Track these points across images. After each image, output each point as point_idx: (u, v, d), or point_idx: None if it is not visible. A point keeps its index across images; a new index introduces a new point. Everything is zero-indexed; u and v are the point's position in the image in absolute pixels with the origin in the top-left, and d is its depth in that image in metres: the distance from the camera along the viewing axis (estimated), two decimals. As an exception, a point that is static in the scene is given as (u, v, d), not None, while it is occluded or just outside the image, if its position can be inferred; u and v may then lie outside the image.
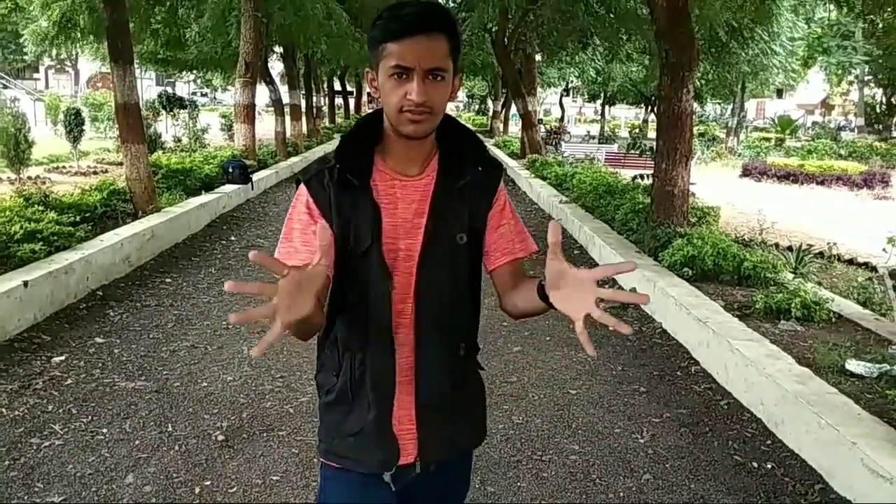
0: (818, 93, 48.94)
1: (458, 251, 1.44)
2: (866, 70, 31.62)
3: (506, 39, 16.12)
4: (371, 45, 1.34)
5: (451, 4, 17.93)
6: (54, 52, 15.44)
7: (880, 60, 29.13)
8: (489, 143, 21.06)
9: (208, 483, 3.00)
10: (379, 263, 1.38)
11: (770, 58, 14.16)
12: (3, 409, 3.54)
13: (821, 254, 8.45)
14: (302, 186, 1.43)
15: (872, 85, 35.52)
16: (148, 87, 35.30)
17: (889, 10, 9.49)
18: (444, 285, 1.43)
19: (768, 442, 3.55)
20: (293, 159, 15.53)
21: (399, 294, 1.40)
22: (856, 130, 34.51)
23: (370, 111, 1.50)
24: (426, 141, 1.40)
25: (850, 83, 39.10)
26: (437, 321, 1.43)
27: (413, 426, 1.46)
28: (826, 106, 52.24)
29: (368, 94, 53.43)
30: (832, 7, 11.52)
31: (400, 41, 1.28)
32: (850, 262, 8.75)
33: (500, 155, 18.98)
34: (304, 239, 1.38)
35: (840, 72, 33.27)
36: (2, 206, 5.83)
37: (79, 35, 13.67)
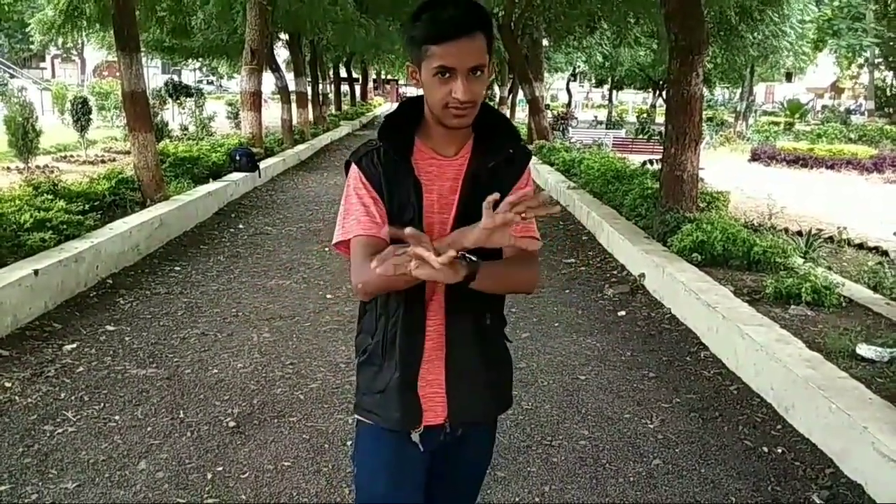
0: (828, 76, 48.48)
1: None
2: (877, 53, 31.28)
3: (512, 24, 16.00)
4: (411, 42, 1.44)
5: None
6: (60, 40, 15.40)
7: (892, 43, 28.79)
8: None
9: (220, 469, 3.02)
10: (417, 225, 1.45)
11: (780, 40, 14.03)
12: (17, 397, 3.57)
13: (831, 238, 8.40)
14: (353, 167, 1.54)
15: (883, 68, 35.15)
16: (154, 75, 35.29)
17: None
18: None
19: (778, 427, 3.55)
20: (300, 147, 15.52)
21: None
22: (866, 114, 34.19)
23: (410, 97, 1.60)
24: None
25: (861, 66, 38.70)
26: (466, 292, 1.45)
27: (443, 389, 1.57)
28: (836, 89, 51.79)
29: (374, 80, 53.43)
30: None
31: (442, 44, 1.37)
32: (861, 246, 8.68)
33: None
34: (377, 209, 1.49)
35: (850, 55, 32.92)
36: (11, 195, 5.85)
37: (85, 23, 13.64)
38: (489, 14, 1.45)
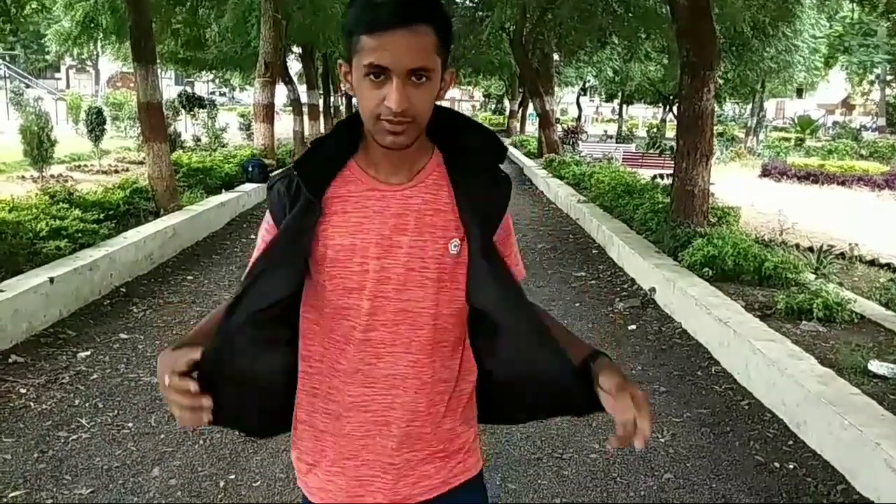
0: (839, 92, 48.36)
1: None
2: (888, 69, 31.24)
3: (524, 39, 16.10)
4: (344, 34, 1.13)
5: (469, 4, 17.94)
6: (76, 51, 15.60)
7: (903, 59, 28.77)
8: (506, 143, 21.02)
9: (232, 477, 3.04)
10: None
11: (793, 54, 14.04)
12: (31, 403, 3.61)
13: (842, 254, 8.37)
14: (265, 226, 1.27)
15: (894, 84, 35.09)
16: (167, 86, 35.56)
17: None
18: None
19: (790, 442, 3.54)
20: (311, 158, 15.58)
21: (368, 321, 1.20)
22: (877, 131, 34.10)
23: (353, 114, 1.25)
24: (410, 147, 1.17)
25: (872, 83, 38.63)
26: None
27: (385, 473, 1.27)
28: (847, 105, 51.66)
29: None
30: (855, 6, 11.41)
31: (375, 35, 1.06)
32: (872, 262, 8.66)
33: (517, 154, 18.97)
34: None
35: (861, 71, 32.87)
36: (28, 204, 5.92)
37: (101, 35, 13.82)
38: (442, 4, 1.13)
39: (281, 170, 1.33)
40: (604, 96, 42.07)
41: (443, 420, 1.29)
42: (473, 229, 1.19)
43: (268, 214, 1.25)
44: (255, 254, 1.25)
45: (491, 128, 1.33)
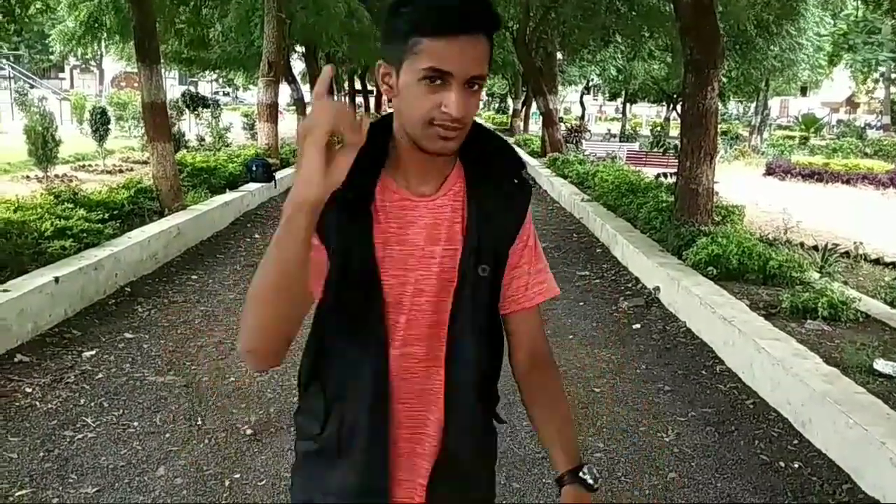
0: (843, 90, 48.28)
1: (479, 284, 1.20)
2: (892, 67, 31.15)
3: (527, 37, 16.09)
4: (392, 34, 1.08)
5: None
6: (80, 51, 15.64)
7: (908, 57, 28.67)
8: (510, 141, 21.06)
9: (237, 476, 3.05)
10: (373, 300, 1.15)
11: (797, 52, 14.01)
12: (37, 403, 3.62)
13: (847, 253, 8.35)
14: None
15: (899, 82, 35.00)
16: (171, 86, 35.63)
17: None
18: (462, 325, 1.20)
19: (795, 441, 3.53)
20: (315, 158, 15.60)
21: (403, 336, 1.18)
22: (882, 129, 34.01)
23: (380, 119, 1.21)
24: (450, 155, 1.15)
25: (876, 81, 38.53)
26: (465, 368, 1.21)
27: (419, 495, 1.24)
28: (851, 104, 51.55)
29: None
30: (859, 4, 11.38)
31: (440, 39, 1.02)
32: (877, 261, 8.64)
33: (520, 153, 18.92)
34: (315, 257, 1.10)
35: (866, 69, 32.78)
36: (32, 204, 5.94)
37: (105, 35, 13.85)
38: (499, 15, 1.11)
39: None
40: (607, 95, 42.06)
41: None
42: (471, 243, 1.18)
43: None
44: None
45: (503, 137, 1.31)
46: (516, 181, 1.24)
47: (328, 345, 1.21)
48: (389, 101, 1.14)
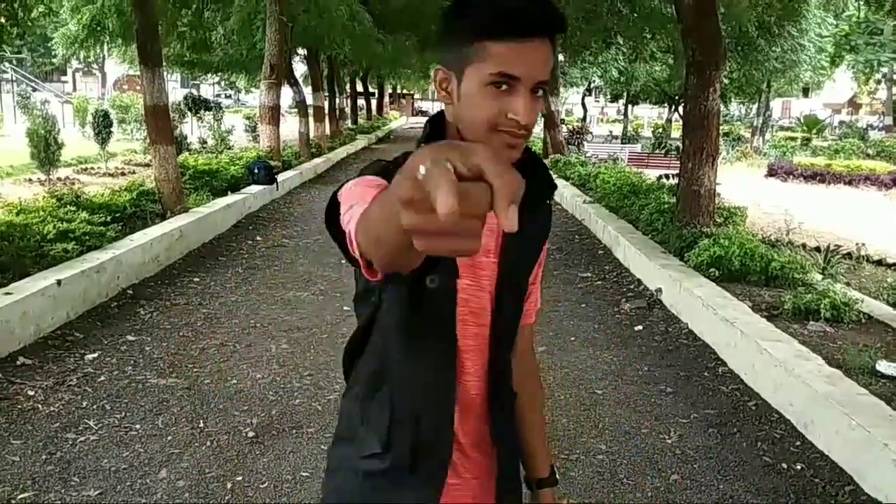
0: (845, 91, 48.22)
1: (516, 300, 1.21)
2: (895, 68, 31.11)
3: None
4: (453, 38, 1.03)
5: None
6: (83, 55, 15.66)
7: (910, 58, 28.64)
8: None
9: (240, 478, 3.05)
10: (449, 300, 1.12)
11: (799, 53, 14.00)
12: (39, 405, 3.62)
13: (849, 254, 8.34)
14: (368, 177, 1.04)
15: (901, 83, 34.95)
16: (173, 89, 35.69)
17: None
18: (510, 340, 1.22)
19: (797, 443, 3.53)
20: (317, 160, 15.64)
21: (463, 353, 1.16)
22: (884, 130, 33.98)
23: (434, 116, 1.15)
24: None
25: (878, 82, 38.49)
26: (503, 380, 1.21)
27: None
28: (853, 105, 51.50)
29: (390, 94, 53.72)
30: (861, 4, 11.38)
31: (510, 42, 0.98)
32: (880, 262, 8.63)
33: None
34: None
35: (868, 70, 32.75)
36: (35, 207, 5.95)
37: (107, 38, 13.87)
38: (565, 17, 1.04)
39: (372, 164, 1.10)
40: (609, 96, 42.02)
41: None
42: (510, 258, 1.15)
43: (377, 181, 1.01)
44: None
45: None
46: (548, 202, 1.23)
47: (393, 350, 1.15)
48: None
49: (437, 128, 1.11)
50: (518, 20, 0.97)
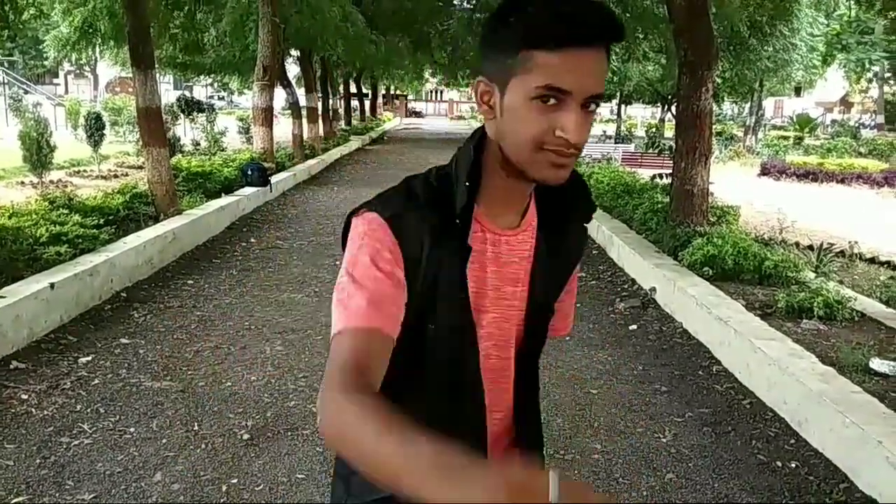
0: (837, 90, 48.43)
1: (541, 334, 1.17)
2: (886, 67, 31.29)
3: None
4: (496, 46, 0.95)
5: (468, 6, 17.96)
6: (74, 57, 15.60)
7: (901, 57, 28.81)
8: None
9: (235, 481, 3.04)
10: (471, 344, 1.06)
11: (791, 53, 14.05)
12: (33, 409, 3.61)
13: (842, 252, 8.37)
14: (377, 220, 0.99)
15: (893, 82, 35.15)
16: (166, 90, 35.59)
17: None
18: (535, 375, 1.17)
19: (792, 441, 3.54)
20: (310, 161, 15.63)
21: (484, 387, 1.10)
22: (876, 129, 34.15)
23: (478, 131, 1.05)
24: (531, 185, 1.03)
25: (870, 80, 38.69)
26: (530, 424, 1.16)
27: None
28: (845, 103, 51.71)
29: (383, 95, 53.68)
30: (852, 4, 11.43)
31: (557, 52, 0.88)
32: (872, 260, 8.65)
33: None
34: (391, 294, 0.97)
35: (859, 69, 32.91)
36: (27, 210, 5.92)
37: (99, 40, 13.82)
38: (623, 25, 0.94)
39: (388, 195, 1.04)
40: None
41: None
42: (540, 288, 1.10)
43: (385, 243, 0.97)
44: (368, 281, 0.96)
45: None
46: (583, 224, 1.16)
47: (406, 391, 1.04)
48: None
49: (475, 150, 1.02)
50: (569, 27, 0.88)
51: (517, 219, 1.06)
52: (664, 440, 3.54)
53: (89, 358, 4.32)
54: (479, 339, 1.06)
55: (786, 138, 29.06)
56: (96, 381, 3.99)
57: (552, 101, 0.90)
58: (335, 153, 19.23)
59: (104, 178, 12.35)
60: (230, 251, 7.54)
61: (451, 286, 1.01)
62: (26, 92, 26.79)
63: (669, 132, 20.17)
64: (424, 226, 0.98)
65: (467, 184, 1.00)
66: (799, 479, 3.20)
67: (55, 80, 50.55)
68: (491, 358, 1.08)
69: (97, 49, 15.12)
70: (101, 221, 6.32)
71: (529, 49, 0.89)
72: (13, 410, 3.57)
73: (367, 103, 37.92)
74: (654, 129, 28.08)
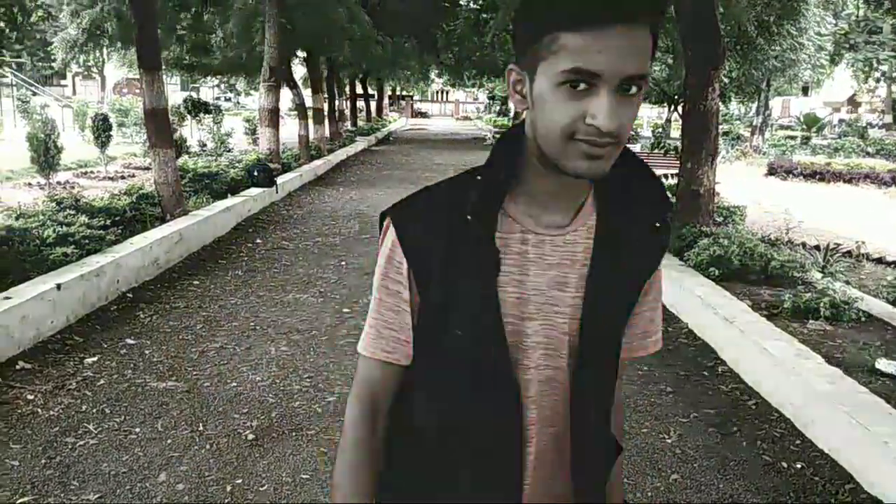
0: (845, 90, 48.20)
1: (605, 344, 1.04)
2: (894, 66, 31.12)
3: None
4: (523, 32, 0.88)
5: (474, 6, 17.95)
6: (82, 59, 15.69)
7: (909, 56, 28.68)
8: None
9: (239, 481, 3.05)
10: (499, 357, 0.98)
11: (798, 52, 14.00)
12: (39, 409, 3.62)
13: (849, 252, 8.33)
14: (395, 238, 0.96)
15: (901, 81, 34.99)
16: (173, 92, 35.70)
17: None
18: (604, 392, 1.06)
19: (798, 442, 3.52)
20: (316, 162, 15.65)
21: (529, 404, 1.01)
22: (884, 128, 33.98)
23: (513, 127, 1.00)
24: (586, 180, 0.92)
25: (878, 80, 38.49)
26: (590, 448, 1.05)
27: None
28: (853, 103, 51.46)
29: (389, 96, 53.76)
30: (860, 3, 11.39)
31: (585, 31, 0.81)
32: (879, 260, 8.62)
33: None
34: (396, 322, 0.98)
35: (867, 68, 32.76)
36: (34, 211, 5.95)
37: (107, 42, 13.89)
38: None
39: (411, 197, 1.00)
40: (608, 97, 41.86)
41: None
42: (596, 295, 0.99)
43: (394, 259, 0.97)
44: (381, 305, 0.99)
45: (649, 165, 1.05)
46: (658, 224, 1.03)
47: (433, 389, 1.03)
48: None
49: (511, 144, 0.96)
50: (593, 4, 0.80)
51: (566, 218, 0.97)
52: (669, 441, 3.53)
53: (95, 358, 4.34)
54: (525, 349, 0.98)
55: (793, 138, 28.96)
56: (102, 382, 4.00)
57: (582, 85, 0.82)
58: (341, 154, 19.26)
59: (111, 179, 12.40)
60: (236, 252, 7.55)
61: (472, 291, 0.95)
62: (34, 93, 26.91)
63: (676, 132, 20.12)
64: (440, 231, 0.93)
65: (479, 177, 0.94)
66: (804, 479, 3.18)
67: (63, 82, 50.80)
68: (541, 368, 0.99)
69: (105, 51, 15.21)
70: (108, 222, 6.35)
71: (554, 31, 0.83)
72: (19, 411, 3.59)
73: (373, 104, 37.98)
74: (660, 130, 28.01)
